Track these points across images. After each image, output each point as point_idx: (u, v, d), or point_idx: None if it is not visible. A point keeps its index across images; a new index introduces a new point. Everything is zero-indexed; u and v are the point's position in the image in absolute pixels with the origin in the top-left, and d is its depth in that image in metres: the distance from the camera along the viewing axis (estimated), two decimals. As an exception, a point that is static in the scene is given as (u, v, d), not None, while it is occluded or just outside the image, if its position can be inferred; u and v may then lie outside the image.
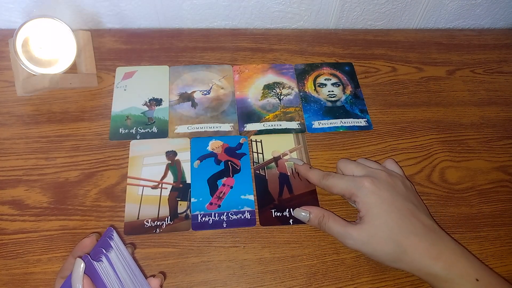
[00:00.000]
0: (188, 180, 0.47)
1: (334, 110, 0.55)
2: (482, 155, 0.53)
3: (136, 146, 0.49)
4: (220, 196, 0.47)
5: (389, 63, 0.61)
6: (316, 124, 0.53)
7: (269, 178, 0.48)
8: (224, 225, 0.45)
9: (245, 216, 0.45)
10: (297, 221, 0.45)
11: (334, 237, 0.42)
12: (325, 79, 0.58)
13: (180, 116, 0.52)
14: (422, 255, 0.38)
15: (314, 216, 0.43)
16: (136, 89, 0.54)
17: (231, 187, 0.47)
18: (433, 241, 0.38)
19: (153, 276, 0.36)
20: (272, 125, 0.53)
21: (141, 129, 0.51)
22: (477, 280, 0.36)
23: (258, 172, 0.49)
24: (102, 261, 0.32)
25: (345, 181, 0.42)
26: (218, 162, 0.49)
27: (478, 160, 0.52)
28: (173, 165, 0.48)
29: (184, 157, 0.49)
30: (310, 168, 0.47)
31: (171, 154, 0.49)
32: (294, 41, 0.63)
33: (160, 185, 0.47)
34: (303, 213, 0.43)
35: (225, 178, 0.48)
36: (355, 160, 0.46)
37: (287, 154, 0.50)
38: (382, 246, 0.39)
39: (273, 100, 0.55)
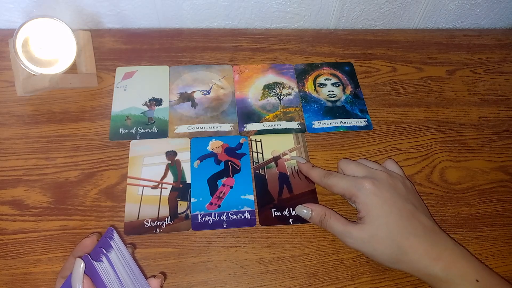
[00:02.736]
0: (188, 180, 0.47)
1: (334, 110, 0.55)
2: (482, 155, 0.53)
3: (136, 146, 0.49)
4: (220, 196, 0.47)
5: (389, 63, 0.61)
6: (316, 124, 0.53)
7: (268, 178, 0.48)
8: (224, 225, 0.45)
9: (245, 216, 0.45)
10: (297, 221, 0.45)
11: (335, 235, 0.42)
12: (325, 79, 0.58)
13: (180, 116, 0.52)
14: (421, 256, 0.38)
15: (316, 214, 0.43)
16: (136, 89, 0.54)
17: (231, 187, 0.47)
18: (432, 242, 0.38)
19: (154, 276, 0.36)
20: (272, 125, 0.53)
21: (141, 129, 0.51)
22: (477, 280, 0.36)
23: (258, 171, 0.49)
24: (102, 261, 0.32)
25: (346, 181, 0.42)
26: (218, 162, 0.49)
27: (478, 160, 0.52)
28: (173, 165, 0.48)
29: (184, 157, 0.49)
30: (312, 166, 0.47)
31: (171, 154, 0.49)
32: (294, 41, 0.63)
33: (160, 185, 0.47)
34: (305, 211, 0.43)
35: (225, 178, 0.48)
36: (355, 160, 0.46)
37: (286, 154, 0.50)
38: (381, 247, 0.39)
39: (273, 100, 0.55)
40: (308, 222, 0.45)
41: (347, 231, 0.40)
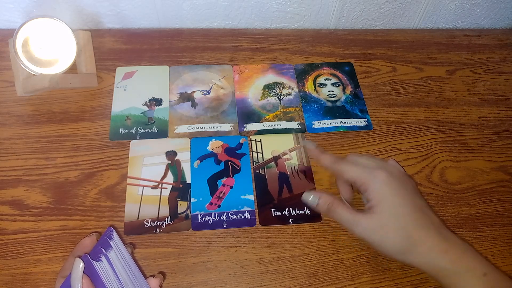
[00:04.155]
0: (188, 180, 0.47)
1: (334, 110, 0.55)
2: (482, 155, 0.53)
3: (136, 146, 0.49)
4: (220, 196, 0.47)
5: (389, 63, 0.61)
6: (316, 124, 0.53)
7: (268, 178, 0.48)
8: (224, 225, 0.45)
9: (245, 216, 0.45)
10: (297, 221, 0.45)
11: (341, 224, 0.41)
12: (325, 79, 0.58)
13: (180, 116, 0.52)
14: (430, 248, 0.38)
15: (323, 202, 0.42)
16: (136, 89, 0.54)
17: (231, 187, 0.47)
18: (441, 235, 0.38)
19: (153, 276, 0.36)
20: (272, 125, 0.53)
21: (141, 129, 0.51)
22: (484, 274, 0.36)
23: (258, 171, 0.49)
24: (102, 261, 0.32)
25: (358, 169, 0.42)
26: (218, 162, 0.49)
27: (478, 160, 0.52)
28: (173, 165, 0.48)
29: (184, 157, 0.49)
30: (323, 152, 0.46)
31: (171, 154, 0.49)
32: (294, 41, 0.63)
33: (160, 185, 0.47)
34: (312, 197, 0.42)
35: (225, 178, 0.48)
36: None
37: (286, 154, 0.50)
38: (391, 237, 0.38)
39: (273, 100, 0.55)
40: (308, 222, 0.45)
41: (355, 220, 0.40)
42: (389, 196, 0.39)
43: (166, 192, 0.46)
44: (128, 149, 0.49)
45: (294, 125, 0.53)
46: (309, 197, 0.42)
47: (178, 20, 0.62)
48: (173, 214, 0.45)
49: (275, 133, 0.52)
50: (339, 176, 0.44)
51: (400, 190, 0.40)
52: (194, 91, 0.55)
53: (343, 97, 0.56)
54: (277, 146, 0.51)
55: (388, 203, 0.39)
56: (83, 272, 0.31)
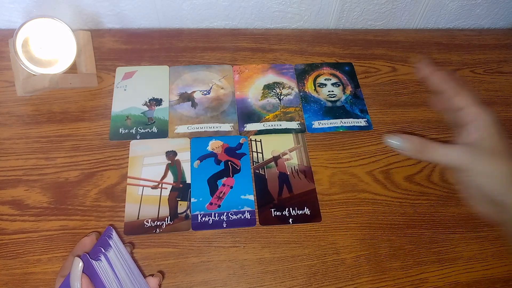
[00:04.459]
0: (188, 180, 0.47)
1: (334, 110, 0.55)
2: (482, 155, 0.53)
3: (136, 146, 0.49)
4: (220, 196, 0.47)
5: (389, 63, 0.61)
6: (316, 124, 0.53)
7: (268, 178, 0.48)
8: (224, 225, 0.45)
9: (245, 216, 0.45)
10: (296, 221, 0.45)
11: (435, 161, 0.37)
12: (325, 79, 0.58)
13: (180, 116, 0.52)
14: None
15: (412, 143, 0.38)
16: (136, 89, 0.54)
17: (231, 187, 0.47)
18: None
19: (152, 275, 0.36)
20: (272, 125, 0.53)
21: (141, 129, 0.51)
22: None
23: (258, 171, 0.49)
24: (101, 260, 0.32)
25: (473, 99, 0.39)
26: (218, 162, 0.49)
27: (478, 160, 0.52)
28: (173, 165, 0.48)
29: (184, 157, 0.49)
30: (436, 70, 0.41)
31: (171, 154, 0.49)
32: (294, 41, 0.63)
33: (160, 185, 0.47)
34: (398, 141, 0.38)
35: (225, 178, 0.48)
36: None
37: (286, 154, 0.50)
38: (503, 167, 0.37)
39: (273, 100, 0.55)
40: (308, 222, 0.45)
41: (457, 151, 0.37)
42: (496, 134, 0.39)
43: (166, 192, 0.46)
44: (128, 149, 0.49)
45: (294, 125, 0.53)
46: (394, 140, 0.38)
47: (178, 20, 0.62)
48: (173, 214, 0.45)
49: (275, 133, 0.52)
50: (448, 95, 0.40)
51: (502, 134, 0.40)
52: (194, 91, 0.55)
53: (343, 97, 0.56)
54: (277, 146, 0.51)
55: (496, 139, 0.38)
56: (82, 272, 0.31)
